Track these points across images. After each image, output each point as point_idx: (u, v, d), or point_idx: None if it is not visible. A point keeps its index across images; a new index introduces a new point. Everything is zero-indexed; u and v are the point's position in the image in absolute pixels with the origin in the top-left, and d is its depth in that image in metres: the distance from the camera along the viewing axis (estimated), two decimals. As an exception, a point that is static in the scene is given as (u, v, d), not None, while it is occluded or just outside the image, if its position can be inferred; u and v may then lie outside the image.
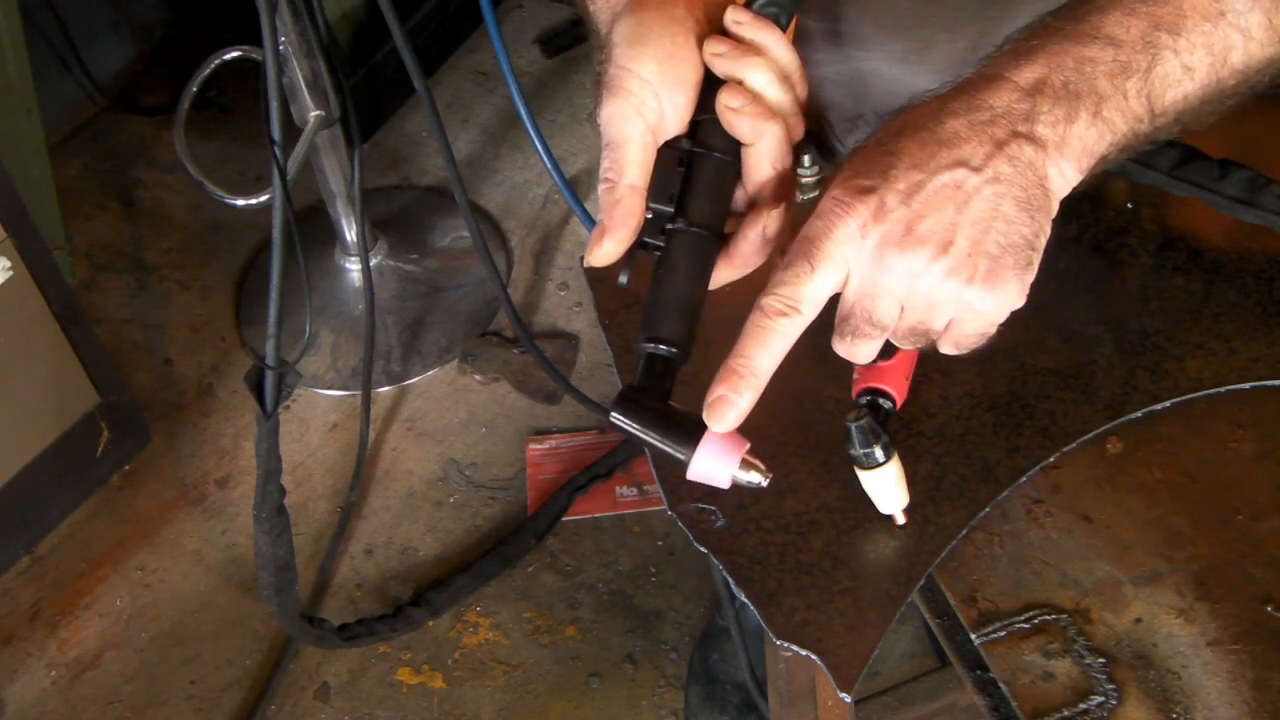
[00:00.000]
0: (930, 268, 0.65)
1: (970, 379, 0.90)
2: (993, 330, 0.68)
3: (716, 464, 0.67)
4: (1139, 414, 0.87)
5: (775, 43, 0.73)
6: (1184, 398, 0.88)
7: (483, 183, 2.56)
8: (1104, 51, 0.66)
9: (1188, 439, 0.86)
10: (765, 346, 0.66)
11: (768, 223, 0.71)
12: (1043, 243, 0.66)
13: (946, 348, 0.69)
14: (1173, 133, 0.70)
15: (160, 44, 2.84)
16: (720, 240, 0.72)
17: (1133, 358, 0.90)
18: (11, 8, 1.86)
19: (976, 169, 0.64)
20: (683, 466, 0.68)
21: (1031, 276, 0.66)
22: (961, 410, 0.89)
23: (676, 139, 0.73)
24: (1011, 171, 0.64)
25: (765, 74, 0.71)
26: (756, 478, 0.68)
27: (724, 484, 0.68)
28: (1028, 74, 0.66)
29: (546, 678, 1.85)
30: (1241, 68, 0.69)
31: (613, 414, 0.68)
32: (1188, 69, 0.67)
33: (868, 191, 0.65)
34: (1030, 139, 0.65)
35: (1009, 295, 0.66)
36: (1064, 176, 0.66)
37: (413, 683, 1.86)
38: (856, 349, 0.69)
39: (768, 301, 0.66)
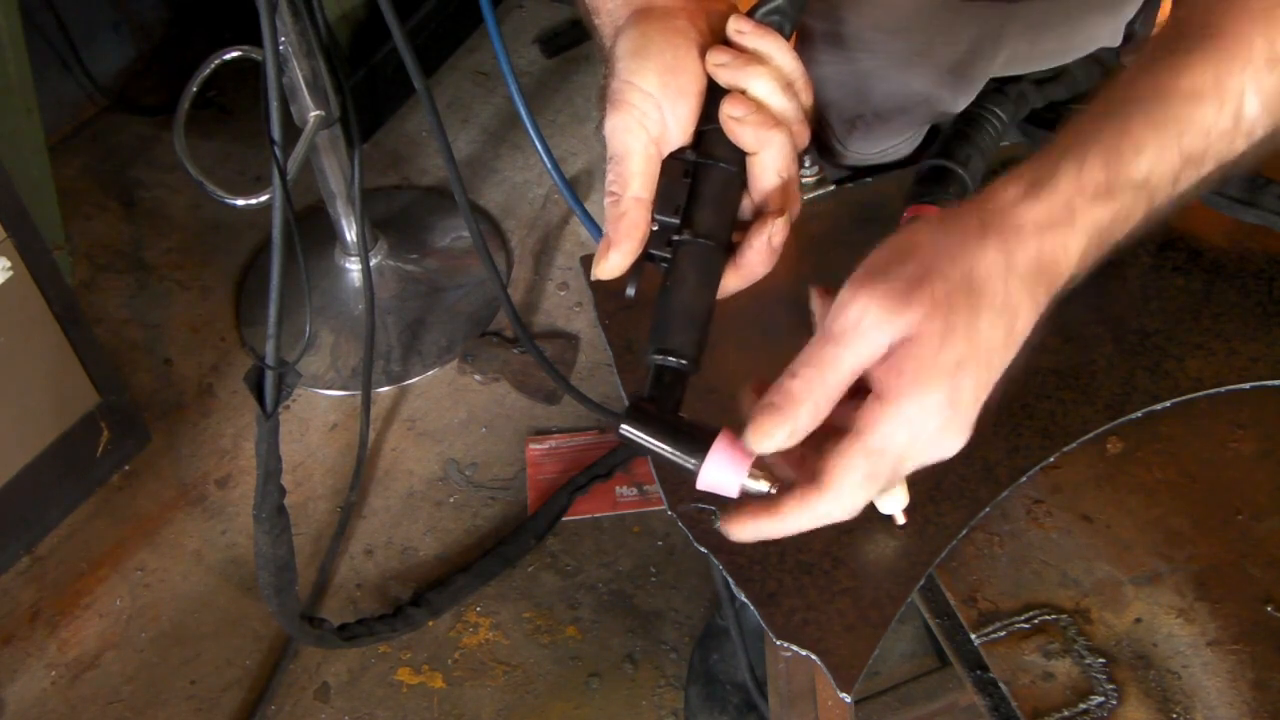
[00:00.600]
0: (943, 413, 0.64)
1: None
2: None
3: (726, 473, 0.67)
4: (1139, 414, 0.87)
5: (778, 51, 0.73)
6: (1184, 398, 0.88)
7: (483, 183, 2.56)
8: (1135, 199, 0.65)
9: (1188, 439, 0.86)
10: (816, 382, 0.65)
11: (773, 231, 0.71)
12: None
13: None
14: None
15: (160, 44, 2.84)
16: (727, 250, 0.72)
17: (1133, 358, 0.90)
18: (11, 8, 1.86)
19: (993, 307, 0.63)
20: (692, 477, 0.68)
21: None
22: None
23: (681, 150, 0.73)
24: (1008, 311, 0.64)
25: (768, 82, 0.71)
26: (765, 486, 0.68)
27: (733, 493, 0.68)
28: (1070, 239, 0.64)
29: (546, 678, 1.85)
30: (1236, 162, 0.69)
31: (622, 427, 0.68)
32: (1199, 184, 0.67)
33: (931, 316, 0.62)
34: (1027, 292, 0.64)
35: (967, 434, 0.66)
36: (1031, 317, 0.66)
37: (413, 683, 1.86)
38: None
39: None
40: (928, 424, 0.62)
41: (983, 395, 0.64)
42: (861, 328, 0.62)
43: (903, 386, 0.62)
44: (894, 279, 0.62)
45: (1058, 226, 0.63)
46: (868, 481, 0.63)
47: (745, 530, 0.67)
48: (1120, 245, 0.66)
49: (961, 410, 0.63)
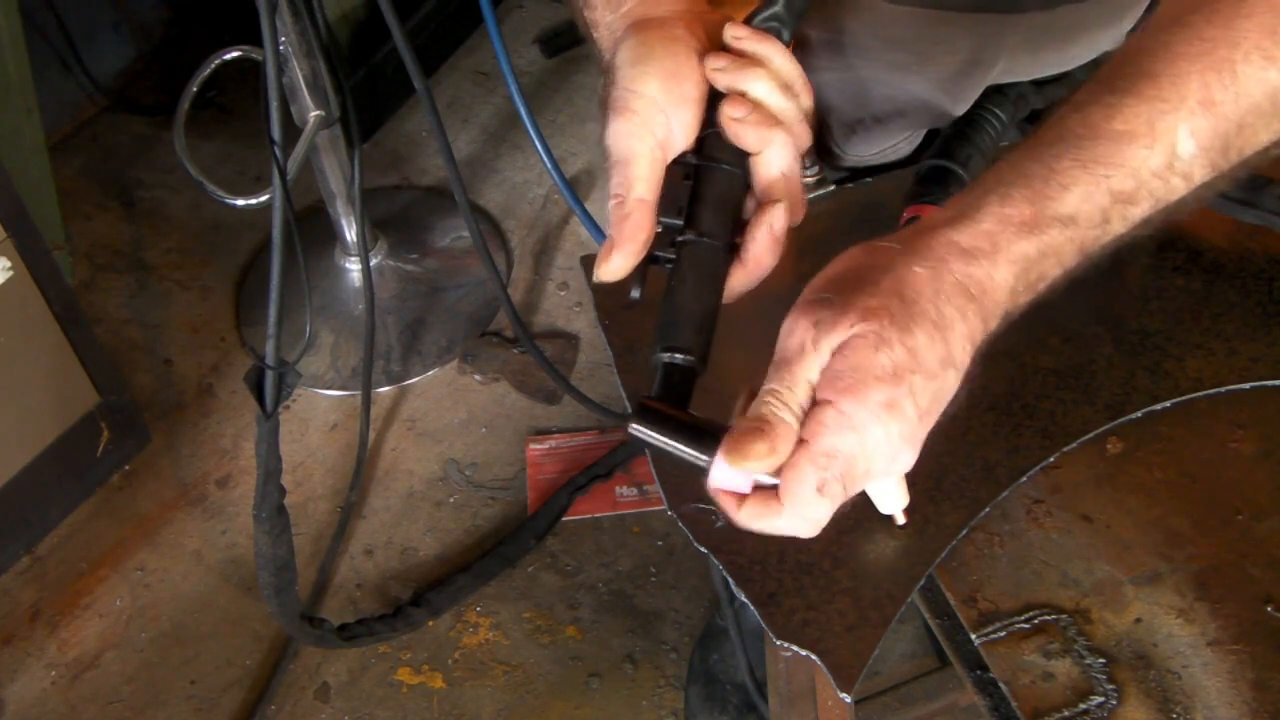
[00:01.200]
0: (903, 427, 0.65)
1: (971, 379, 0.90)
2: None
3: (737, 471, 0.67)
4: (1139, 414, 0.87)
5: (776, 54, 0.73)
6: (1184, 398, 0.88)
7: (483, 183, 2.56)
8: (1063, 236, 0.65)
9: (1188, 439, 0.86)
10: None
11: (774, 219, 0.71)
12: None
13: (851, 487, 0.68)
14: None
15: (160, 44, 2.84)
16: (731, 250, 0.72)
17: (1133, 358, 0.90)
18: (11, 8, 1.86)
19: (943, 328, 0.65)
20: (702, 474, 0.68)
21: None
22: (961, 410, 0.89)
23: (683, 155, 0.73)
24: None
25: (766, 84, 0.72)
26: (776, 480, 0.67)
27: (746, 489, 0.68)
28: (994, 269, 0.65)
29: (546, 678, 1.85)
30: (1175, 205, 0.69)
31: (631, 426, 0.68)
32: (1129, 228, 0.68)
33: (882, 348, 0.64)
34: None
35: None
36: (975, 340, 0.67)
37: (413, 683, 1.86)
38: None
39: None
40: (871, 427, 0.63)
41: (929, 409, 0.65)
42: (805, 350, 0.64)
43: (841, 390, 0.63)
44: (830, 300, 0.64)
45: (981, 255, 0.64)
46: (820, 492, 0.64)
47: (735, 512, 0.68)
48: (1057, 284, 0.67)
49: (905, 417, 0.64)
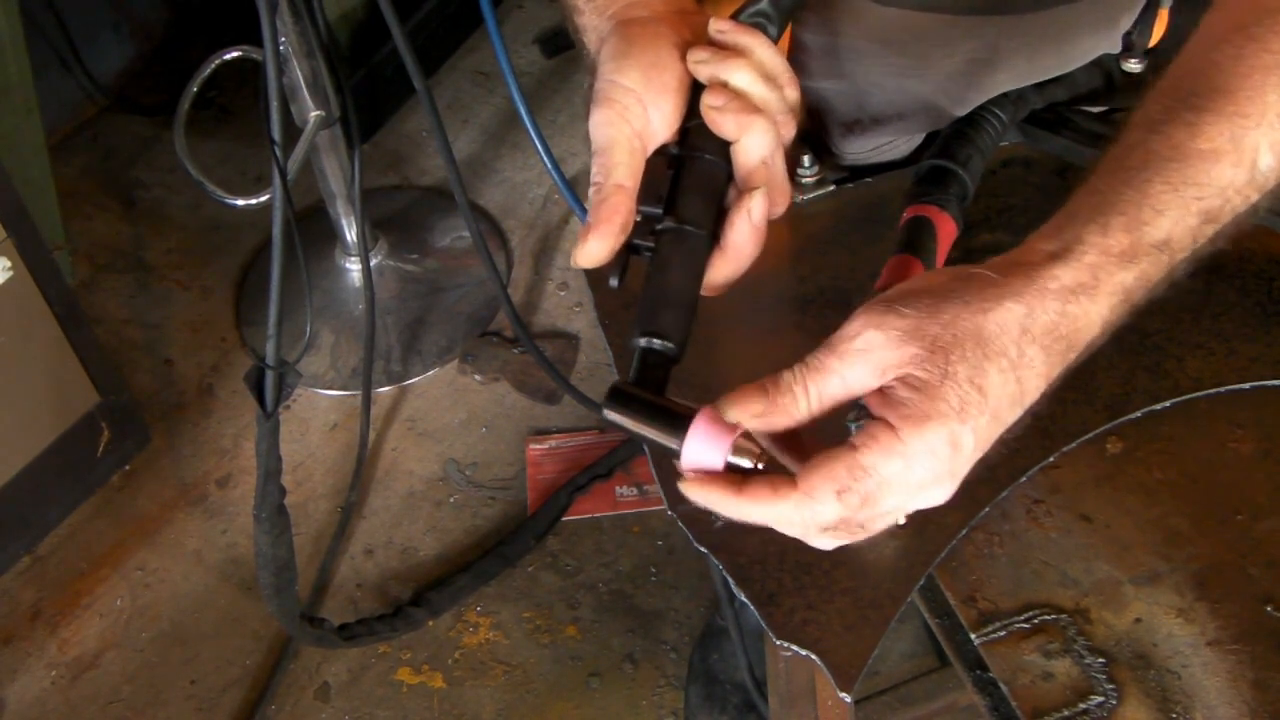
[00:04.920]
0: (950, 462, 0.63)
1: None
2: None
3: (708, 450, 0.66)
4: (1139, 414, 0.87)
5: (759, 46, 0.73)
6: (1184, 398, 0.88)
7: (483, 183, 2.56)
8: (1158, 262, 0.64)
9: (1188, 439, 0.86)
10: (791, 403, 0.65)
11: (753, 206, 0.71)
12: None
13: (857, 534, 0.65)
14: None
15: (160, 44, 2.84)
16: (712, 239, 0.72)
17: (1133, 358, 0.90)
18: (11, 8, 1.86)
19: (1006, 369, 0.63)
20: (676, 456, 0.67)
21: None
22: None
23: (666, 146, 0.73)
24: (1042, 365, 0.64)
25: (747, 74, 0.72)
26: (750, 462, 0.66)
27: (719, 466, 0.66)
28: (1093, 304, 0.64)
29: (546, 678, 1.85)
30: (1248, 215, 0.69)
31: (605, 409, 0.68)
32: (1214, 243, 0.67)
33: (946, 396, 0.62)
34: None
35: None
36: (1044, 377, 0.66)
37: (413, 683, 1.86)
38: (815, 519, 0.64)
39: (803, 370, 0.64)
40: (924, 463, 0.62)
41: (983, 448, 0.63)
42: (856, 349, 0.63)
43: (903, 416, 0.61)
44: (902, 314, 0.63)
45: (1083, 291, 0.63)
46: (841, 498, 0.62)
47: (698, 493, 0.66)
48: (1139, 307, 0.66)
49: (960, 457, 0.62)
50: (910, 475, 0.62)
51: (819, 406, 0.64)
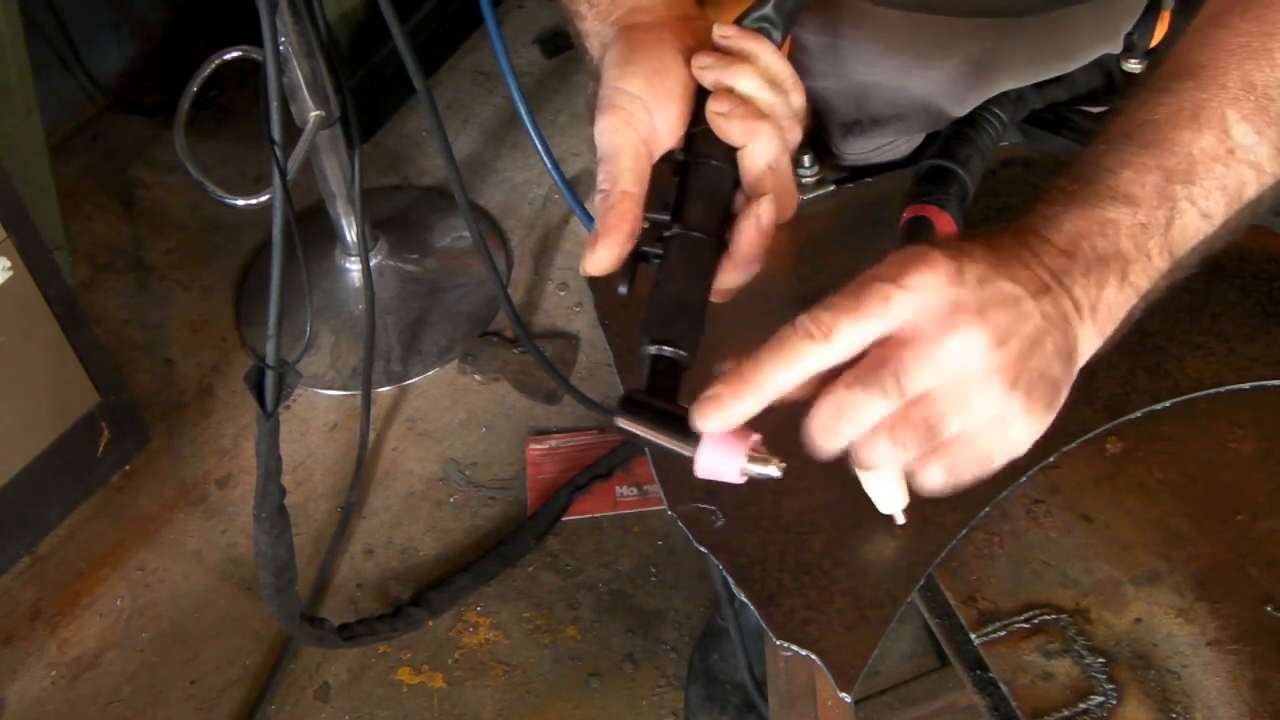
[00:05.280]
0: (988, 354, 0.61)
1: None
2: (992, 466, 0.64)
3: (723, 459, 0.66)
4: (1139, 414, 0.87)
5: (763, 51, 0.73)
6: (1184, 398, 0.88)
7: (483, 183, 2.56)
8: (1123, 212, 0.65)
9: (1187, 439, 0.86)
10: (780, 362, 0.63)
11: (761, 212, 0.71)
12: (1063, 399, 0.64)
13: (934, 472, 0.63)
14: (1193, 268, 0.70)
15: (160, 44, 2.84)
16: (720, 245, 0.72)
17: (1133, 358, 0.90)
18: (11, 8, 1.86)
19: (1032, 295, 0.62)
20: (690, 466, 0.67)
21: (1049, 422, 0.64)
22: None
23: (672, 153, 0.73)
24: (1054, 315, 0.63)
25: (753, 80, 0.72)
26: (770, 469, 0.66)
27: (736, 479, 0.67)
28: (1059, 236, 0.64)
29: (546, 678, 1.86)
30: (1255, 199, 0.68)
31: (617, 419, 0.68)
32: (1206, 215, 0.67)
33: (950, 258, 0.62)
34: (1069, 296, 0.64)
35: (1033, 424, 0.63)
36: (1089, 342, 0.65)
37: (413, 682, 1.86)
38: (856, 411, 0.62)
39: (801, 319, 0.62)
40: (971, 364, 0.60)
41: (1049, 370, 0.62)
42: (874, 284, 0.62)
43: (935, 325, 0.61)
44: (951, 256, 0.62)
45: (1111, 262, 0.65)
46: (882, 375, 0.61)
47: (721, 405, 0.63)
48: (1157, 286, 0.67)
49: (1023, 374, 0.61)
50: (964, 381, 0.60)
51: (857, 341, 0.63)
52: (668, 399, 0.68)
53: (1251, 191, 0.67)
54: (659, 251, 0.71)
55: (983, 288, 0.61)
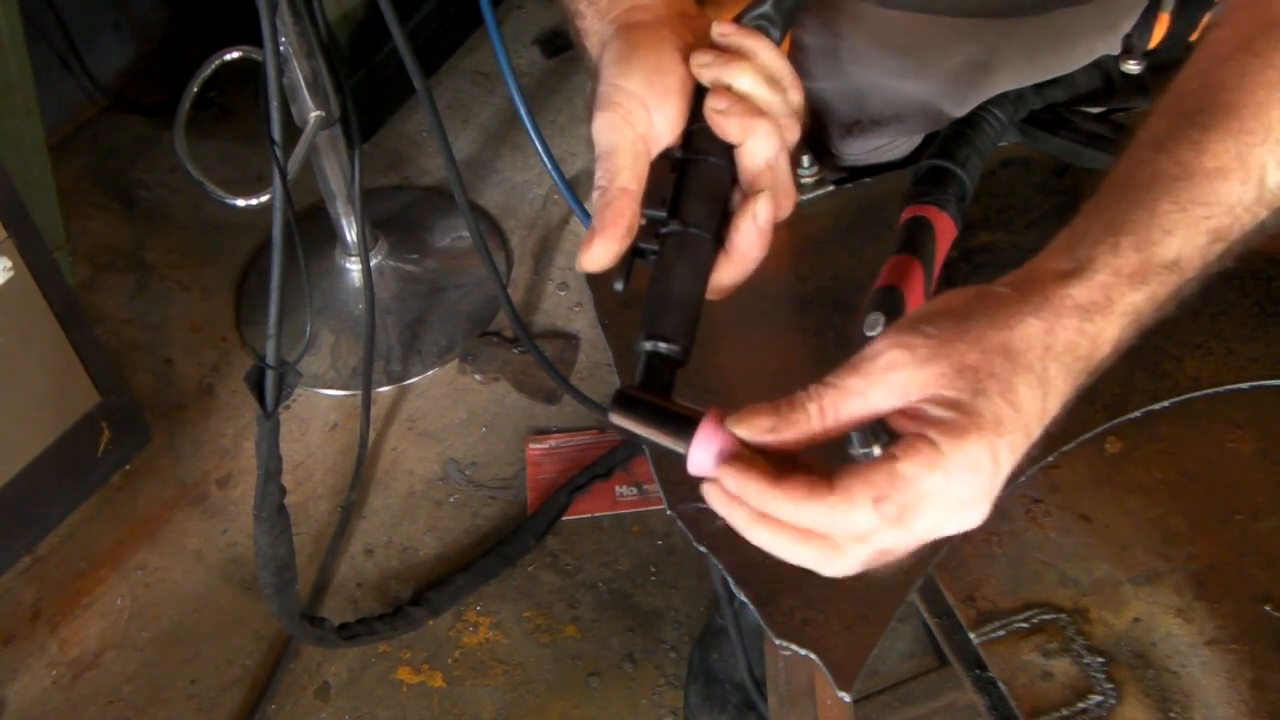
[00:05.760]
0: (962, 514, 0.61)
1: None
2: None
3: (714, 455, 0.65)
4: (1138, 414, 0.87)
5: (762, 49, 0.73)
6: (1183, 397, 0.88)
7: (483, 183, 2.56)
8: (1167, 282, 0.63)
9: (1186, 439, 0.86)
10: (786, 511, 0.62)
11: (759, 209, 0.71)
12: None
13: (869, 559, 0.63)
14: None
15: (160, 44, 2.84)
16: (717, 242, 0.72)
17: (1132, 358, 0.89)
18: (11, 8, 1.86)
19: (1008, 450, 0.61)
20: (683, 462, 0.67)
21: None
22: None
23: (670, 150, 0.73)
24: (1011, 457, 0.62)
25: (751, 77, 0.72)
26: None
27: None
28: (1107, 325, 0.63)
29: (546, 677, 1.86)
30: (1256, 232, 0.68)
31: (610, 413, 0.68)
32: (1223, 256, 0.66)
33: (974, 443, 0.60)
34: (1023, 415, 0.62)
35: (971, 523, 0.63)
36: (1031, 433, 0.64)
37: (413, 682, 1.86)
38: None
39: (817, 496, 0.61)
40: (965, 478, 0.60)
41: (1014, 463, 0.62)
42: (880, 367, 0.61)
43: (944, 430, 0.60)
44: (927, 333, 0.62)
45: (1097, 311, 0.62)
46: (878, 506, 0.60)
47: (733, 478, 0.63)
48: (1147, 328, 0.65)
49: (998, 474, 0.61)
50: (950, 491, 0.60)
51: (834, 424, 0.63)
52: (662, 395, 0.68)
53: (1259, 224, 0.67)
54: (656, 248, 0.71)
55: (983, 402, 0.61)
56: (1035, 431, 0.62)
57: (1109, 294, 0.63)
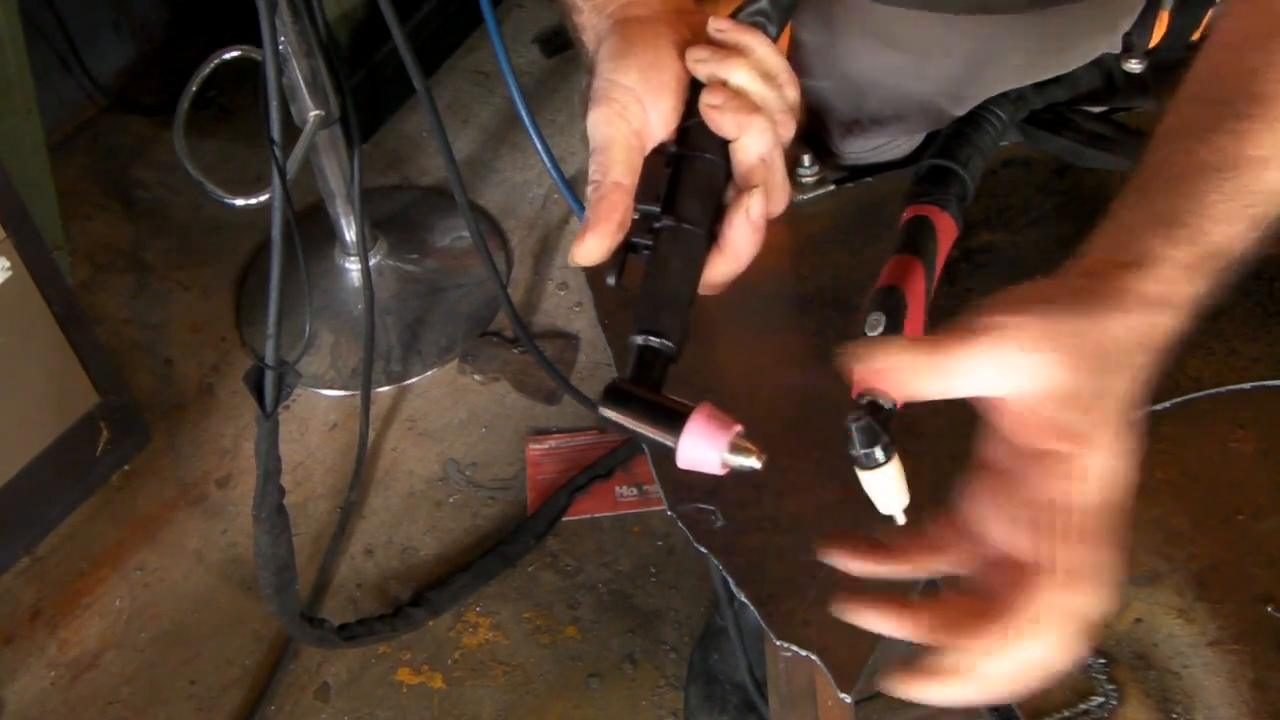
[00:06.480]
0: None
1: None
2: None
3: (704, 449, 0.65)
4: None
5: (758, 45, 0.73)
6: (1184, 398, 0.88)
7: (483, 183, 2.56)
8: (1215, 272, 0.64)
9: (1188, 439, 0.86)
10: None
11: (751, 205, 0.71)
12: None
13: None
14: None
15: (160, 44, 2.84)
16: (710, 237, 0.72)
17: (1133, 358, 0.90)
18: (11, 8, 1.86)
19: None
20: (673, 455, 0.66)
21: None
22: (962, 410, 0.89)
23: (665, 145, 0.73)
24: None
25: (746, 73, 0.72)
26: (750, 460, 0.65)
27: (717, 469, 0.66)
28: (1164, 322, 0.63)
29: (546, 678, 1.85)
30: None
31: (601, 406, 0.67)
32: (1256, 244, 0.66)
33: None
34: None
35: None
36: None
37: (413, 683, 1.86)
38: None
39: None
40: (1119, 466, 0.60)
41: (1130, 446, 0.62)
42: (1005, 330, 0.60)
43: (1087, 427, 0.59)
44: (1034, 313, 0.60)
45: (1161, 303, 0.62)
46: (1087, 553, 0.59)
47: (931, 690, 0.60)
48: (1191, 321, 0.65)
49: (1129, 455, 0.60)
50: (1120, 475, 0.60)
51: (939, 381, 0.61)
52: (653, 389, 0.68)
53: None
54: (649, 243, 0.71)
55: (1103, 393, 0.60)
56: (1128, 426, 0.61)
57: (1171, 287, 0.62)
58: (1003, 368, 0.60)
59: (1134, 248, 0.63)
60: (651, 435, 0.66)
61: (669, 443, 0.65)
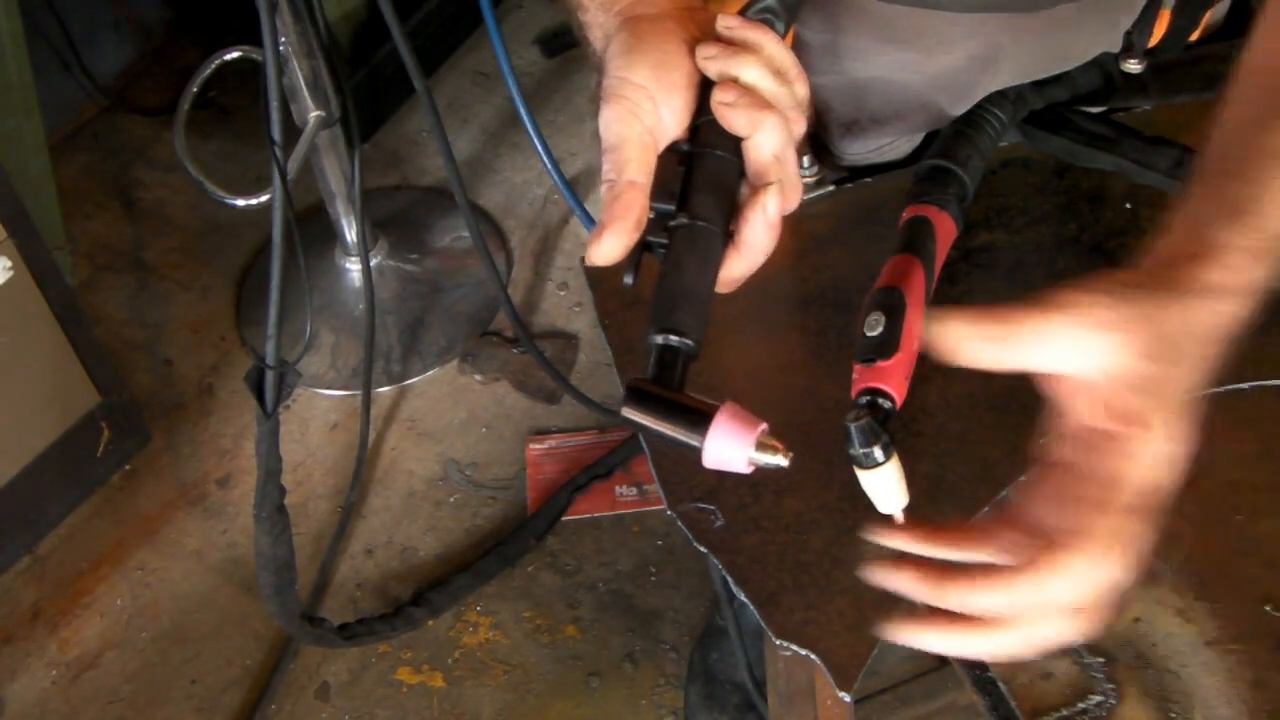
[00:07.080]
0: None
1: (970, 379, 0.90)
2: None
3: (731, 448, 0.64)
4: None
5: (768, 41, 0.73)
6: (1183, 398, 0.88)
7: (483, 183, 2.56)
8: (1273, 259, 0.64)
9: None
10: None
11: (767, 202, 0.70)
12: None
13: None
14: None
15: (160, 44, 2.84)
16: (725, 235, 0.72)
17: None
18: (11, 8, 1.86)
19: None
20: (698, 455, 0.66)
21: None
22: (961, 410, 0.89)
23: (677, 143, 0.73)
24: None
25: (757, 70, 0.72)
26: (777, 459, 0.65)
27: (743, 468, 0.65)
28: (1241, 307, 0.63)
29: (546, 677, 1.86)
30: None
31: (624, 409, 0.67)
32: None
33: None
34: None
35: None
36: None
37: (413, 682, 1.86)
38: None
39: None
40: (1174, 451, 0.60)
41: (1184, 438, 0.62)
42: (1079, 308, 0.60)
43: (1147, 411, 0.60)
44: (1111, 295, 0.61)
45: (1230, 291, 0.62)
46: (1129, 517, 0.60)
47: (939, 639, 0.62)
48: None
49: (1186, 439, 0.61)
50: (1173, 458, 0.60)
51: (1015, 352, 0.62)
52: (674, 389, 0.68)
53: None
54: (664, 241, 0.71)
55: (1170, 374, 0.61)
56: (1188, 413, 0.62)
57: (1240, 275, 0.63)
58: (1074, 344, 0.60)
59: (1204, 236, 0.63)
60: (676, 435, 0.66)
61: (695, 442, 0.65)
